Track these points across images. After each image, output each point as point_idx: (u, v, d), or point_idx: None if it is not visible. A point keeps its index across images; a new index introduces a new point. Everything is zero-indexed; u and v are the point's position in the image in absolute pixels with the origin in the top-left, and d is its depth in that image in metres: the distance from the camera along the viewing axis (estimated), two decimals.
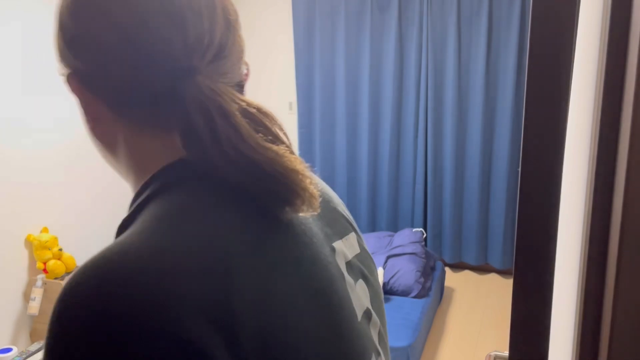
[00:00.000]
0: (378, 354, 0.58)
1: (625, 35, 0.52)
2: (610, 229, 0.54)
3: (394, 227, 4.17)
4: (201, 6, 0.47)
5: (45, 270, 2.80)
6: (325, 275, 0.51)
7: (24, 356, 2.09)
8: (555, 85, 0.64)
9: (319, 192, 0.50)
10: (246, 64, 0.55)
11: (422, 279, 3.10)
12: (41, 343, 2.20)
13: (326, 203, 0.60)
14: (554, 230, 0.68)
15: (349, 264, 0.58)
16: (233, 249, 0.43)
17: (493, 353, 0.96)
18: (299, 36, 4.11)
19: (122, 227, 0.47)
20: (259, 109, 0.49)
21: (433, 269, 3.40)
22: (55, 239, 2.86)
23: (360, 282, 0.59)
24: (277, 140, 0.48)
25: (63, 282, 2.78)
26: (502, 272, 4.08)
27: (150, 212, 0.45)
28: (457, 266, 4.19)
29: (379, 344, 0.60)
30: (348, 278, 0.56)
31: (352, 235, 0.62)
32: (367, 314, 0.58)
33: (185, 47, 0.46)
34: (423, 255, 3.29)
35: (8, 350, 2.07)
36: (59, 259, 2.85)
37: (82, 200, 3.21)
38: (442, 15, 3.82)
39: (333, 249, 0.56)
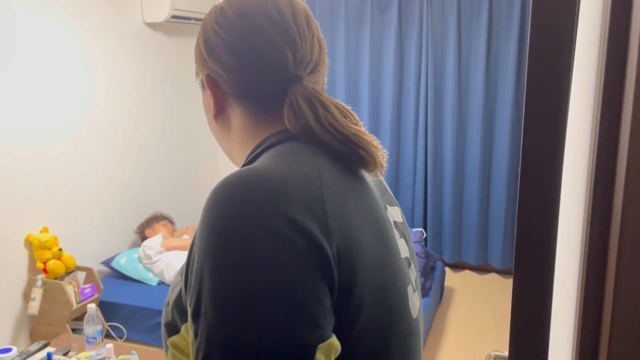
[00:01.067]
0: (414, 290, 0.72)
1: (625, 35, 0.52)
2: (610, 229, 0.54)
3: None
4: (305, 34, 0.68)
5: (45, 270, 2.80)
6: (380, 215, 0.68)
7: (24, 356, 2.09)
8: (555, 85, 0.64)
9: (385, 165, 0.69)
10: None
11: (422, 279, 3.10)
12: (41, 343, 2.20)
13: (381, 179, 0.79)
14: (554, 230, 0.68)
15: (395, 224, 0.73)
16: (324, 177, 0.61)
17: (493, 353, 0.96)
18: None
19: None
20: (343, 105, 0.69)
21: (433, 268, 3.40)
22: (55, 238, 2.86)
23: (402, 240, 0.73)
24: (357, 124, 0.69)
25: (63, 282, 2.78)
26: (502, 272, 4.08)
27: (266, 155, 0.64)
28: (457, 266, 4.19)
29: (416, 287, 0.75)
30: (395, 231, 0.71)
31: (397, 207, 0.79)
32: (407, 261, 0.72)
33: (294, 62, 0.67)
34: (423, 255, 3.29)
35: (8, 350, 2.07)
36: (58, 258, 2.85)
37: (82, 200, 3.21)
38: (442, 15, 3.82)
39: (385, 208, 0.72)
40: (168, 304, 0.66)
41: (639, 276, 0.51)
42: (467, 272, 4.14)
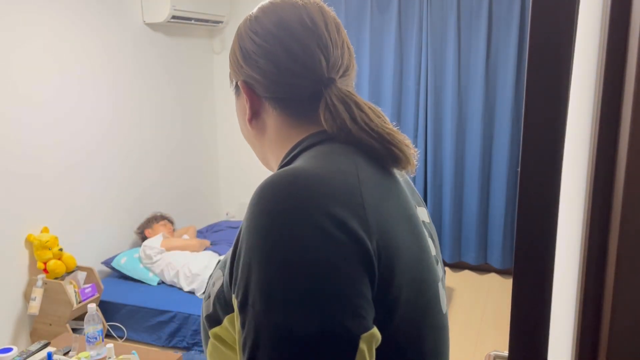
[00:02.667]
0: (442, 286, 0.75)
1: (625, 35, 0.52)
2: (609, 229, 0.55)
3: None
4: (337, 40, 0.73)
5: (45, 270, 2.80)
6: (412, 213, 0.71)
7: (25, 356, 2.10)
8: (555, 85, 0.64)
9: (416, 164, 0.72)
10: None
11: None
12: (41, 343, 2.20)
13: (408, 180, 0.83)
14: (553, 230, 0.68)
15: (423, 223, 0.75)
16: (361, 175, 0.64)
17: (493, 353, 0.96)
18: None
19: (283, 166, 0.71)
20: (374, 106, 0.73)
21: None
22: (56, 238, 2.86)
23: (430, 240, 0.75)
24: (389, 124, 0.72)
25: (63, 282, 2.78)
26: (502, 272, 4.08)
27: (305, 156, 0.67)
28: (457, 266, 4.19)
29: (443, 284, 0.77)
30: (424, 229, 0.73)
31: (425, 208, 0.82)
32: (435, 259, 0.74)
33: (327, 66, 0.71)
34: None
35: (8, 350, 2.07)
36: (59, 258, 2.85)
37: (83, 200, 3.21)
38: (442, 15, 3.82)
39: (415, 207, 0.74)
40: (209, 297, 0.69)
41: (638, 276, 0.51)
42: (466, 272, 4.14)
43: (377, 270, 0.59)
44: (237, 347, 0.58)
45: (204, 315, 0.69)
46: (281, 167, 0.72)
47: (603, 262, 0.56)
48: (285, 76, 0.71)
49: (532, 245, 0.69)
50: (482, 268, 4.13)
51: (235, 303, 0.59)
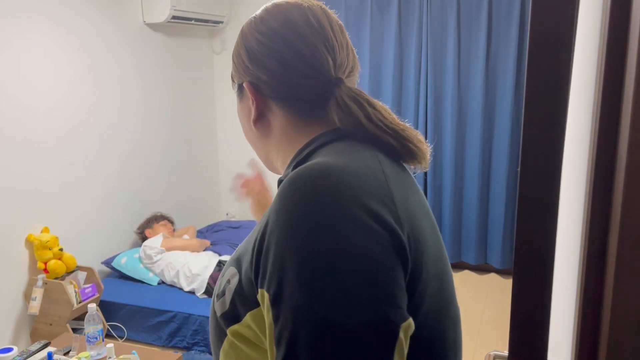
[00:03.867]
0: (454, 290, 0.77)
1: (625, 35, 0.52)
2: (609, 229, 0.55)
3: None
4: (342, 42, 0.74)
5: (45, 270, 2.80)
6: (429, 209, 0.72)
7: (25, 356, 2.10)
8: (554, 85, 0.64)
9: (430, 158, 0.74)
10: None
11: None
12: (42, 343, 2.20)
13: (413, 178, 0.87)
14: (553, 230, 0.68)
15: None
16: (386, 171, 0.65)
17: (493, 353, 0.96)
18: None
19: (298, 163, 0.70)
20: (383, 104, 0.74)
21: None
22: (56, 238, 2.86)
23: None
24: (401, 121, 0.73)
25: (64, 282, 2.78)
26: (502, 272, 4.08)
27: (325, 152, 0.67)
28: (457, 266, 4.19)
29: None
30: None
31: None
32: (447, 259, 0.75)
33: (335, 66, 0.72)
34: None
35: (8, 350, 2.07)
36: (59, 258, 2.85)
37: (83, 200, 3.21)
38: (442, 15, 3.82)
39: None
40: (223, 294, 0.68)
41: (638, 276, 0.51)
42: (466, 271, 4.14)
43: (409, 262, 0.60)
44: (268, 340, 0.58)
45: (219, 314, 0.68)
46: (295, 165, 0.71)
47: (603, 262, 0.56)
48: (293, 76, 0.71)
49: (532, 245, 0.69)
50: (482, 268, 4.13)
51: (265, 297, 0.58)
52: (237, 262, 0.67)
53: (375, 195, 0.59)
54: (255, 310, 0.63)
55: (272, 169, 0.82)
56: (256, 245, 0.61)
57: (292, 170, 0.70)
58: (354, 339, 0.53)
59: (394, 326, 0.55)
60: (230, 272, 0.68)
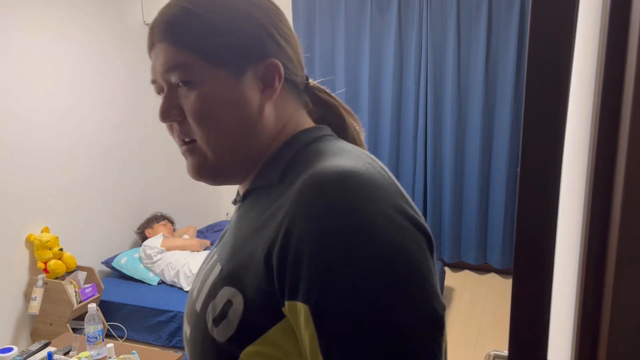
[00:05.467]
0: None
1: (625, 35, 0.52)
2: (609, 229, 0.55)
3: None
4: (299, 45, 0.76)
5: (46, 270, 2.80)
6: None
7: (25, 356, 2.10)
8: (554, 85, 0.64)
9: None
10: None
11: None
12: (42, 342, 2.20)
13: None
14: (553, 229, 0.68)
15: None
16: (385, 167, 0.66)
17: (492, 352, 0.96)
18: (299, 36, 4.10)
19: (289, 162, 0.68)
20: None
21: None
22: (56, 238, 2.86)
23: None
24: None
25: (64, 282, 2.78)
26: (502, 272, 4.08)
27: (324, 149, 0.66)
28: (457, 266, 4.19)
29: None
30: None
31: None
32: None
33: (301, 65, 0.74)
34: None
35: (9, 350, 2.07)
36: (59, 258, 2.85)
37: (83, 200, 3.21)
38: (442, 16, 3.82)
39: None
40: (223, 317, 0.62)
41: (637, 276, 0.51)
42: (466, 271, 4.14)
43: (433, 254, 0.62)
44: (309, 354, 0.55)
45: (225, 339, 0.62)
46: (285, 165, 0.67)
47: (603, 262, 0.56)
48: (297, 62, 0.74)
49: (532, 245, 0.69)
50: (482, 268, 4.13)
51: (301, 309, 0.55)
52: (235, 280, 0.62)
53: (398, 194, 0.60)
54: (280, 324, 0.59)
55: (237, 163, 0.70)
56: (274, 257, 0.57)
57: (282, 171, 0.67)
58: (410, 337, 0.53)
59: (441, 317, 0.57)
60: (227, 292, 0.62)
